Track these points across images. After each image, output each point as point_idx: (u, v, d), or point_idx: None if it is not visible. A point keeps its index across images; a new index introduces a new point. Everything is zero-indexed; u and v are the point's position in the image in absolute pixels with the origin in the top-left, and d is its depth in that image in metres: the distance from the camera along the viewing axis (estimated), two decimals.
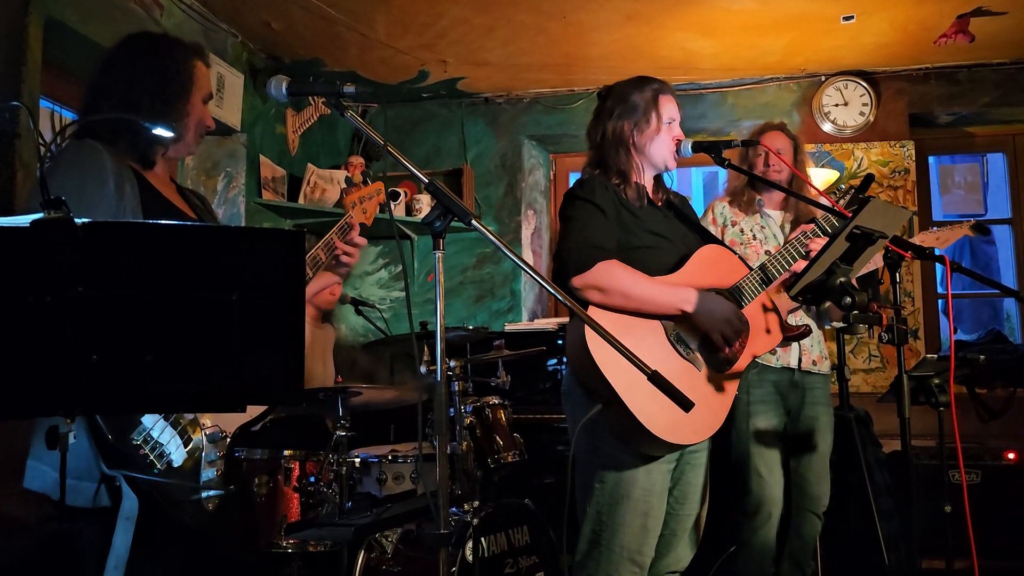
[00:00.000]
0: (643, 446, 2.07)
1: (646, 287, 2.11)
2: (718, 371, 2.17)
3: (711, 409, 2.12)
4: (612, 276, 2.08)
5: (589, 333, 2.01)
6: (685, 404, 1.52)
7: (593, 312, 2.07)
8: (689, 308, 2.11)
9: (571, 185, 2.34)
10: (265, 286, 1.27)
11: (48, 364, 1.20)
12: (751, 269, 2.26)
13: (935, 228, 2.75)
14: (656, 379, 1.50)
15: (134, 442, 1.65)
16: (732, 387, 2.19)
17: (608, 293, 2.07)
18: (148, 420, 1.67)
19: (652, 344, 2.10)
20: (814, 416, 3.00)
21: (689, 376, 2.11)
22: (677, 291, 2.13)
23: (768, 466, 2.92)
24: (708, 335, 2.14)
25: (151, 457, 1.66)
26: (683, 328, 2.15)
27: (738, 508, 2.96)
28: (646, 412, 1.98)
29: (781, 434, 2.99)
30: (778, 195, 3.09)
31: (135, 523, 1.64)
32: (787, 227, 3.09)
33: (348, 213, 2.10)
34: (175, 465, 1.68)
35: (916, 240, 2.71)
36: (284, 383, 1.33)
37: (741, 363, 2.21)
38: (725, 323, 2.13)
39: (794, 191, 2.82)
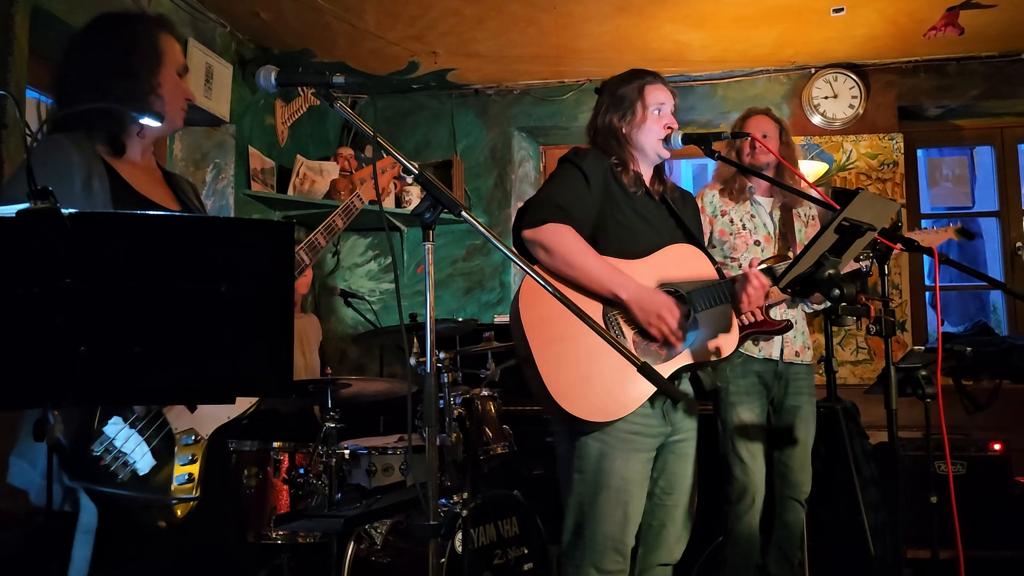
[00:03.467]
0: (561, 418, 2.06)
1: (589, 261, 2.09)
2: (651, 361, 2.11)
3: (625, 394, 2.06)
4: (561, 240, 2.08)
5: (523, 294, 2.07)
6: (675, 396, 1.53)
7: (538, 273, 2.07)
8: (623, 295, 2.09)
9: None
10: (254, 277, 1.27)
11: (36, 356, 1.19)
12: (721, 279, 2.23)
13: (920, 230, 2.77)
14: (645, 371, 1.51)
15: (94, 453, 1.61)
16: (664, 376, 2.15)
17: (552, 255, 2.07)
18: (111, 430, 1.64)
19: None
20: (797, 405, 3.02)
21: (616, 358, 2.03)
22: (617, 275, 2.11)
23: (751, 453, 2.94)
24: (646, 329, 2.12)
25: (113, 467, 1.62)
26: (620, 312, 2.13)
27: (723, 497, 2.98)
28: (553, 378, 2.01)
29: (764, 424, 3.01)
30: (766, 181, 3.10)
31: (94, 536, 1.61)
32: (776, 213, 3.10)
33: (357, 191, 2.11)
34: (141, 473, 1.63)
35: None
36: (273, 375, 1.33)
37: (675, 362, 2.16)
38: (656, 317, 2.09)
39: (781, 181, 2.82)
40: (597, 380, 2.02)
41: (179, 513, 1.66)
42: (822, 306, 3.05)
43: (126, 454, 1.63)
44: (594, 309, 2.11)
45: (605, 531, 2.10)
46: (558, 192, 2.16)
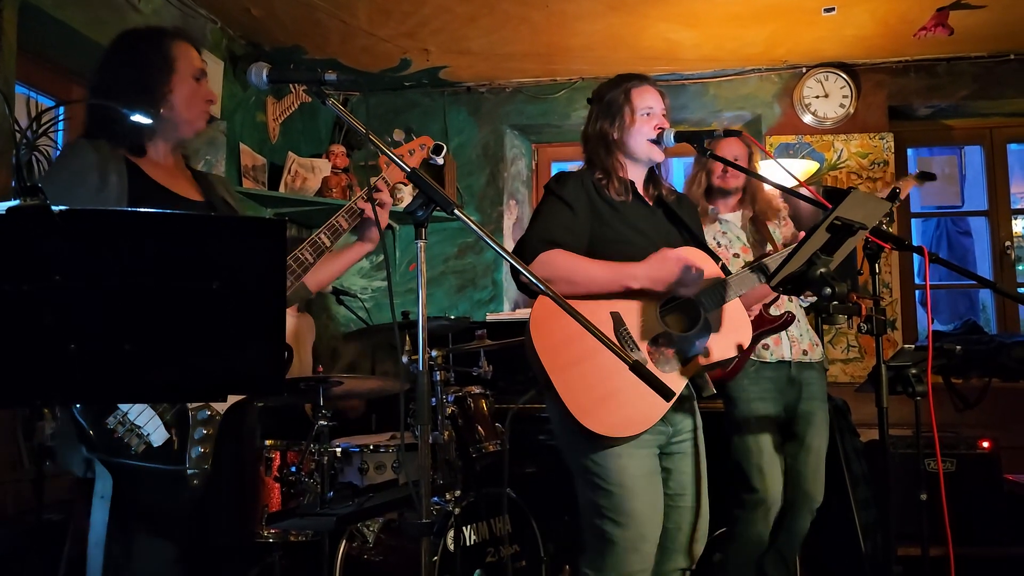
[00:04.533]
0: (582, 434, 2.05)
1: (588, 268, 2.09)
2: (664, 370, 2.13)
3: (647, 405, 2.05)
4: (553, 265, 2.08)
5: (533, 321, 2.06)
6: (666, 393, 1.53)
7: (544, 303, 2.08)
8: (635, 284, 2.08)
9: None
10: (246, 275, 1.26)
11: (25, 353, 1.18)
12: (727, 274, 2.24)
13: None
14: (637, 368, 1.51)
15: (108, 427, 1.70)
16: (677, 384, 2.14)
17: (552, 282, 2.06)
18: (125, 404, 1.72)
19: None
20: (810, 412, 2.98)
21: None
22: (621, 268, 2.10)
23: (770, 463, 2.90)
24: (675, 293, 2.11)
25: (126, 439, 1.71)
26: (630, 323, 2.13)
27: (736, 502, 2.95)
28: (574, 401, 2.01)
29: (781, 430, 2.98)
30: (732, 199, 3.11)
31: (110, 501, 1.72)
32: (748, 225, 3.10)
33: (382, 174, 2.16)
34: (155, 445, 1.73)
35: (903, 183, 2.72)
36: (265, 372, 1.32)
37: (691, 367, 2.17)
38: (676, 281, 2.08)
39: (753, 201, 2.83)
40: (618, 397, 2.02)
41: (194, 483, 1.74)
42: (813, 299, 3.04)
43: (139, 427, 1.72)
44: (605, 328, 2.09)
45: (624, 532, 2.08)
46: (543, 226, 2.17)
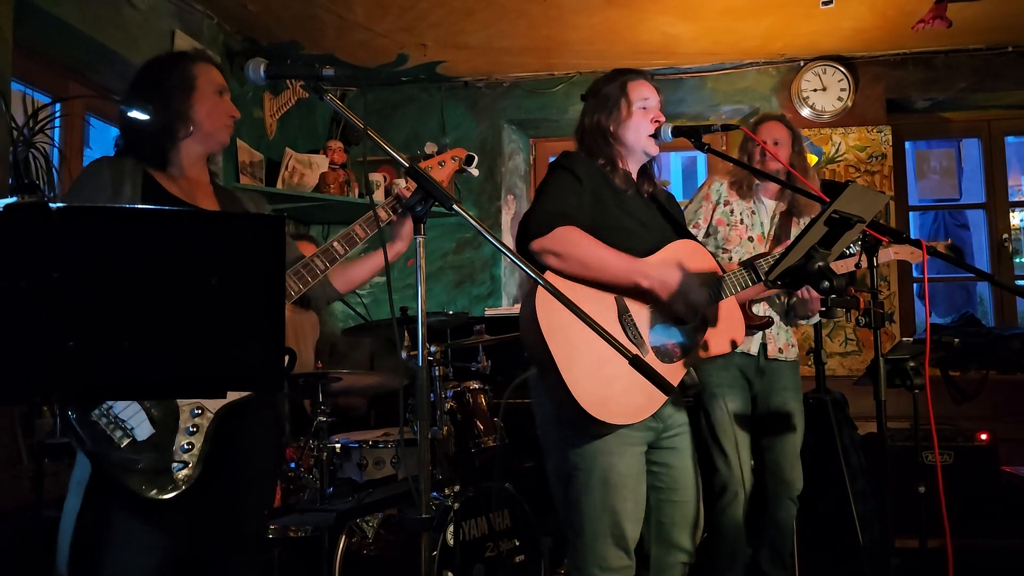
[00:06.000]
0: (580, 422, 2.05)
1: (604, 256, 2.07)
2: (665, 361, 2.14)
3: (647, 395, 2.05)
4: (571, 242, 2.06)
5: (539, 303, 2.03)
6: (666, 388, 1.53)
7: (548, 279, 2.05)
8: (645, 282, 2.07)
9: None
10: (245, 271, 1.26)
11: (24, 350, 1.18)
12: (723, 271, 2.25)
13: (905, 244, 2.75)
14: (637, 363, 1.51)
15: (92, 419, 1.72)
16: (676, 377, 2.15)
17: (565, 259, 2.05)
18: None
19: (602, 322, 2.08)
20: (783, 402, 3.01)
21: None
22: (635, 264, 2.09)
23: (734, 446, 2.93)
24: (671, 308, 2.11)
25: (109, 432, 1.72)
26: (634, 311, 2.13)
27: (707, 488, 2.97)
28: (578, 384, 1.99)
29: (748, 417, 3.00)
30: (774, 184, 3.10)
31: (85, 489, 1.76)
32: (776, 217, 3.10)
33: (404, 187, 2.21)
34: (139, 439, 1.73)
35: (893, 252, 2.75)
36: (263, 368, 1.32)
37: (691, 359, 2.17)
38: (683, 295, 2.09)
39: (788, 183, 2.81)
40: (619, 383, 2.01)
41: (179, 478, 1.74)
42: (812, 320, 3.03)
43: (124, 420, 1.73)
44: (609, 314, 2.09)
45: (606, 528, 2.08)
46: (558, 199, 2.14)
